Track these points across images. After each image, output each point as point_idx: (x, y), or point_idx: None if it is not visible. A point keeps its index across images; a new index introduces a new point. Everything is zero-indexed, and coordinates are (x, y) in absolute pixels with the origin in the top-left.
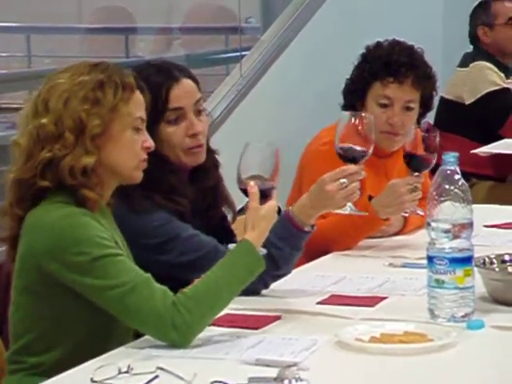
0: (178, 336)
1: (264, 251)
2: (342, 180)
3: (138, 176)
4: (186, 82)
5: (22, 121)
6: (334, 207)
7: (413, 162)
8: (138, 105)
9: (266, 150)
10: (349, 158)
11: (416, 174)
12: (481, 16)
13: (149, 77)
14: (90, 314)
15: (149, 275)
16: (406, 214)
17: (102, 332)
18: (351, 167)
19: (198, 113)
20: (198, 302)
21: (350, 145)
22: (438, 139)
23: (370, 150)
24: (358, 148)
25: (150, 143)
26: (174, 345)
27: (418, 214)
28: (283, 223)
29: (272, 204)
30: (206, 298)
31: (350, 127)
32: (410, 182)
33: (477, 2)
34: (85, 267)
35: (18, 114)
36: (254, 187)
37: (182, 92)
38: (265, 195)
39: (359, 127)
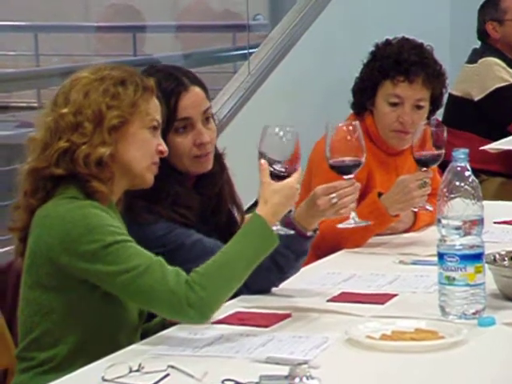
0: (194, 313)
1: (278, 228)
2: (333, 195)
3: (150, 179)
4: (195, 91)
5: (40, 118)
6: (326, 218)
7: (421, 157)
8: (156, 107)
9: (284, 133)
10: (342, 171)
11: (424, 169)
12: (490, 11)
13: (158, 84)
14: (101, 306)
15: (160, 258)
16: (416, 210)
17: (110, 324)
18: (342, 183)
19: (207, 120)
20: (210, 277)
21: (342, 158)
22: (445, 134)
23: (363, 159)
24: (350, 160)
25: (164, 148)
26: (193, 322)
27: (428, 209)
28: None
29: (289, 181)
30: (219, 273)
31: (340, 138)
32: (419, 178)
33: None
34: (97, 254)
35: (28, 113)
36: (264, 164)
37: (191, 101)
38: (282, 178)
39: (349, 137)
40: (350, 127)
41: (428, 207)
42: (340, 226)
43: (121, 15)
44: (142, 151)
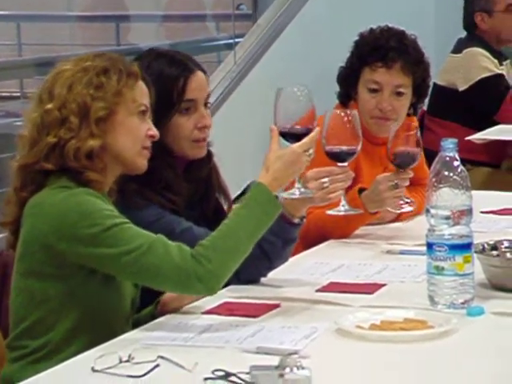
0: (203, 286)
1: (280, 194)
2: (324, 180)
3: (142, 164)
4: (201, 75)
5: (27, 114)
6: (314, 204)
7: (395, 159)
8: (142, 93)
9: (298, 93)
10: (337, 158)
11: (400, 170)
12: (479, 2)
13: (162, 69)
14: (98, 291)
15: (161, 235)
16: (395, 211)
17: (105, 310)
18: (335, 169)
19: (206, 106)
20: (215, 249)
21: (337, 145)
22: (418, 134)
23: (359, 147)
24: (346, 147)
25: (155, 132)
26: (202, 295)
27: (402, 211)
28: None
29: (293, 147)
30: (224, 244)
31: (336, 125)
32: (390, 179)
33: None
34: (98, 238)
35: (12, 103)
36: (274, 130)
37: (198, 84)
38: (299, 138)
39: (345, 124)
40: (348, 115)
41: (404, 209)
42: (329, 212)
43: (104, 5)
44: (132, 138)
